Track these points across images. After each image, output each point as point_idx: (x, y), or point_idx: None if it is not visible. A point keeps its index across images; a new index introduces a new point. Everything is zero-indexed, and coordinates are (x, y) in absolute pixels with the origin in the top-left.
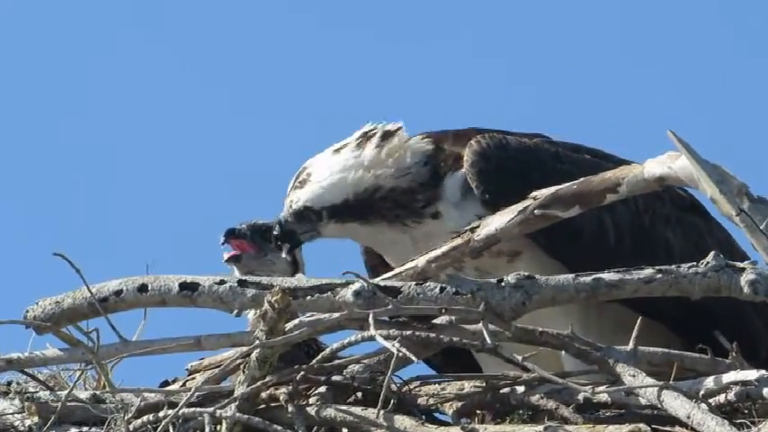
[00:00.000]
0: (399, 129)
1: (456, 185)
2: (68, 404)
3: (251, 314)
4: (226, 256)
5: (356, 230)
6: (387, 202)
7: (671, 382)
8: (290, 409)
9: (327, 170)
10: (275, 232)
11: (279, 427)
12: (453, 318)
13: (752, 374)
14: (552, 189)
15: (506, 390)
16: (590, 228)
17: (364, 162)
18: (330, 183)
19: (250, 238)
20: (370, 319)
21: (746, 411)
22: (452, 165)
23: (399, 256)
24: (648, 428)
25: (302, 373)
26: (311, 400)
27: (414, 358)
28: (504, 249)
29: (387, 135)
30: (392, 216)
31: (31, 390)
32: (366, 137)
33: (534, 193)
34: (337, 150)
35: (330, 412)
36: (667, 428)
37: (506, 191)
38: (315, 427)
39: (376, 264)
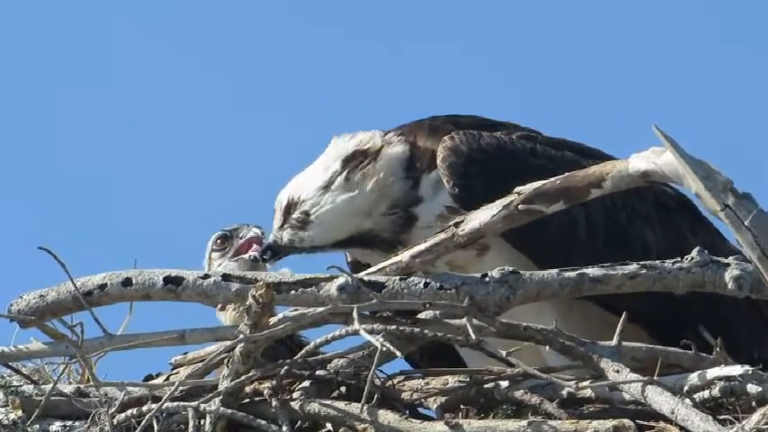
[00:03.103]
0: (380, 147)
1: (430, 184)
2: (52, 398)
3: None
4: (252, 254)
5: (354, 252)
6: (383, 233)
7: (655, 377)
8: (273, 403)
9: (330, 213)
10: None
11: (263, 422)
12: (437, 312)
13: (736, 370)
14: (536, 184)
15: (490, 385)
16: (558, 223)
17: (362, 207)
18: (336, 225)
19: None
20: (355, 314)
21: (731, 407)
22: (428, 165)
23: None
24: (632, 424)
25: (286, 367)
26: (295, 395)
27: (397, 353)
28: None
29: (370, 157)
30: (387, 242)
31: (14, 383)
32: (353, 166)
33: (518, 189)
34: (326, 187)
35: (314, 407)
36: (651, 424)
37: (477, 186)
38: (299, 422)
39: (357, 259)
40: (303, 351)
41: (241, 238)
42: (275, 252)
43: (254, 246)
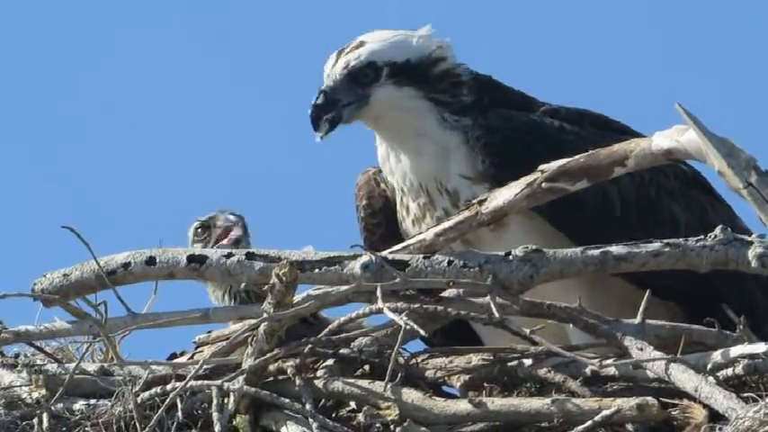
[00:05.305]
0: None
1: None
2: (76, 377)
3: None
4: (234, 237)
5: (405, 103)
6: (442, 80)
7: (678, 355)
8: (297, 381)
9: (389, 33)
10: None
11: (286, 400)
12: (461, 291)
13: (760, 348)
14: (559, 162)
15: (514, 363)
16: (593, 200)
17: (429, 32)
18: (396, 40)
19: None
20: (378, 293)
21: (754, 385)
22: None
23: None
24: (656, 402)
25: (310, 345)
26: (319, 373)
27: (421, 331)
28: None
29: None
30: (440, 99)
31: (38, 362)
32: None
33: (542, 167)
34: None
35: (338, 385)
36: (675, 402)
37: (513, 164)
38: (322, 400)
39: (375, 241)
40: (327, 329)
41: (218, 228)
42: (327, 96)
43: (233, 231)
